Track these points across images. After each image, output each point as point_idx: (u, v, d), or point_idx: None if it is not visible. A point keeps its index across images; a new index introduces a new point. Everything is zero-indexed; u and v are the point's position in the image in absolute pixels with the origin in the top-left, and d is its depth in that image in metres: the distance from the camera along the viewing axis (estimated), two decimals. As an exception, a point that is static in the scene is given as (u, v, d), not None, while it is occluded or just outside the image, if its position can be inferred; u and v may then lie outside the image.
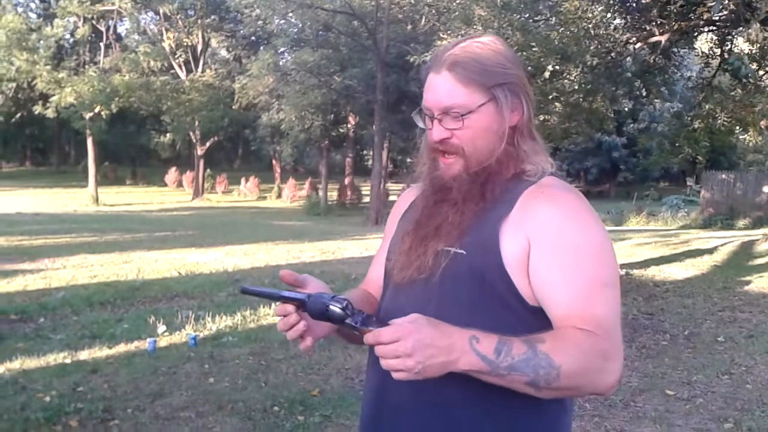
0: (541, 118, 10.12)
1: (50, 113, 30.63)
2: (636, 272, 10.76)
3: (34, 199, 26.49)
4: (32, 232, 14.55)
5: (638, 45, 9.57)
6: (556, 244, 1.39)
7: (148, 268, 10.38)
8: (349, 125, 34.97)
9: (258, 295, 1.53)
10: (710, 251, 13.63)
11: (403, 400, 1.48)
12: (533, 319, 1.40)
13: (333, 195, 31.96)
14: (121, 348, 6.04)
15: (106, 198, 30.01)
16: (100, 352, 5.91)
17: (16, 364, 5.45)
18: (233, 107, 35.25)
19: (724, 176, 23.82)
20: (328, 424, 4.47)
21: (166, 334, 6.51)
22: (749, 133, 13.86)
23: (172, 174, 41.32)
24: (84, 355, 5.81)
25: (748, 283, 10.04)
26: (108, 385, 5.07)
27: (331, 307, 1.36)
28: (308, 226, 20.13)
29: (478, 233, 1.43)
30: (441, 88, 1.47)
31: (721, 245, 14.61)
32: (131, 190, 38.65)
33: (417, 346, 1.23)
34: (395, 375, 1.26)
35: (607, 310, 1.37)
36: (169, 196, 35.55)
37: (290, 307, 1.42)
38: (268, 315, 7.31)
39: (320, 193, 32.24)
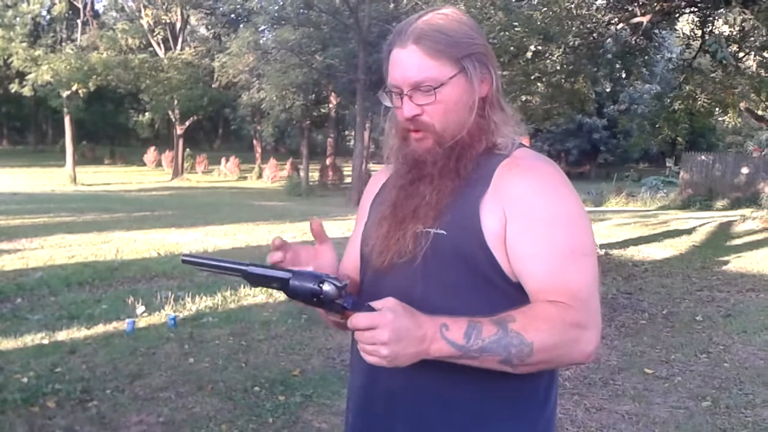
0: (523, 98, 10.12)
1: (27, 91, 30.18)
2: (615, 252, 10.82)
3: (11, 179, 26.18)
4: (9, 212, 14.38)
5: (620, 26, 9.57)
6: (530, 216, 1.38)
7: (127, 249, 10.30)
8: (330, 105, 34.79)
9: (202, 266, 1.42)
10: (689, 232, 13.74)
11: (396, 386, 1.47)
12: (519, 295, 1.40)
13: (314, 175, 31.86)
14: (100, 329, 5.99)
15: (85, 177, 29.71)
16: (78, 332, 5.86)
17: (-7, 347, 5.39)
18: (213, 86, 34.92)
19: (703, 157, 23.99)
20: (309, 403, 4.46)
21: (145, 314, 6.46)
22: (729, 115, 13.95)
23: (151, 153, 40.96)
24: (62, 335, 5.75)
25: (726, 263, 10.14)
26: (86, 365, 5.03)
27: (326, 286, 1.33)
28: (289, 207, 20.05)
29: (458, 212, 1.41)
30: (409, 63, 1.43)
31: (700, 226, 14.73)
32: (110, 169, 38.30)
33: (393, 336, 1.24)
34: (367, 359, 1.27)
35: (582, 280, 1.37)
36: (148, 175, 35.27)
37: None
38: (249, 295, 7.28)
39: (301, 173, 32.13)
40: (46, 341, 5.58)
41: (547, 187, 1.41)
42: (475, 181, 1.43)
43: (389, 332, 1.23)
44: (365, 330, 1.26)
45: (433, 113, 1.43)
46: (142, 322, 6.22)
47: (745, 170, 22.61)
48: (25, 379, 4.67)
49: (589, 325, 1.34)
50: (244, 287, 7.45)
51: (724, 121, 22.38)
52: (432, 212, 1.42)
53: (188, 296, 7.08)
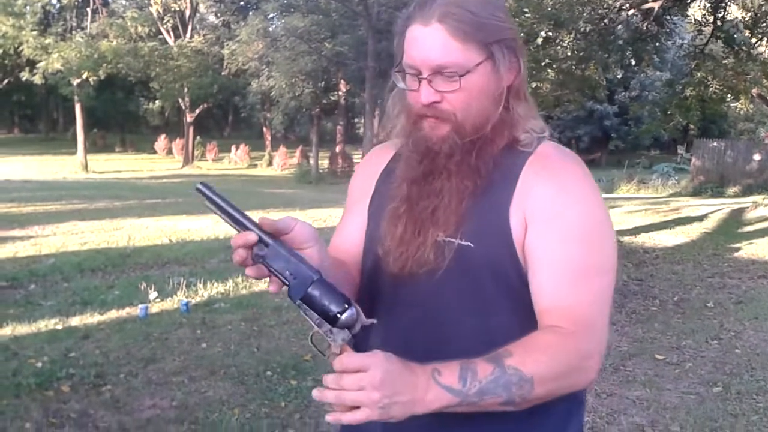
0: (534, 85, 10.08)
1: (37, 79, 30.23)
2: (626, 239, 10.80)
3: (23, 167, 26.31)
4: (22, 199, 14.44)
5: (631, 11, 9.51)
6: (548, 224, 1.27)
7: (139, 235, 10.34)
8: (340, 92, 34.77)
9: (214, 203, 1.19)
10: (700, 218, 13.69)
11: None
12: None
13: (324, 163, 31.84)
14: (113, 314, 6.03)
15: (96, 165, 29.82)
16: (91, 318, 5.91)
17: (7, 331, 5.44)
18: (222, 74, 34.94)
19: (714, 144, 23.87)
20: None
21: (158, 300, 6.50)
22: (741, 101, 13.87)
23: (161, 141, 41.02)
24: (75, 321, 5.80)
25: (737, 249, 10.10)
26: (100, 350, 5.07)
27: (348, 314, 1.16)
28: (299, 194, 20.08)
29: (484, 220, 1.29)
30: (431, 44, 1.27)
31: (711, 212, 14.67)
32: (121, 157, 38.42)
33: (386, 378, 1.08)
34: (351, 415, 1.09)
35: (592, 302, 1.25)
36: (159, 163, 35.37)
37: (251, 237, 1.17)
38: (260, 282, 7.30)
39: (311, 161, 32.12)
40: (59, 327, 5.63)
41: (573, 195, 1.28)
42: (499, 182, 1.30)
43: (381, 373, 1.08)
44: (353, 372, 1.09)
45: (454, 101, 1.28)
46: (154, 308, 6.26)
47: (757, 157, 22.48)
48: (39, 364, 4.72)
49: (592, 352, 1.23)
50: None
51: (736, 107, 22.26)
52: (453, 217, 1.28)
53: (200, 282, 7.12)
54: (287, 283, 1.15)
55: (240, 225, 1.17)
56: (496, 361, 1.16)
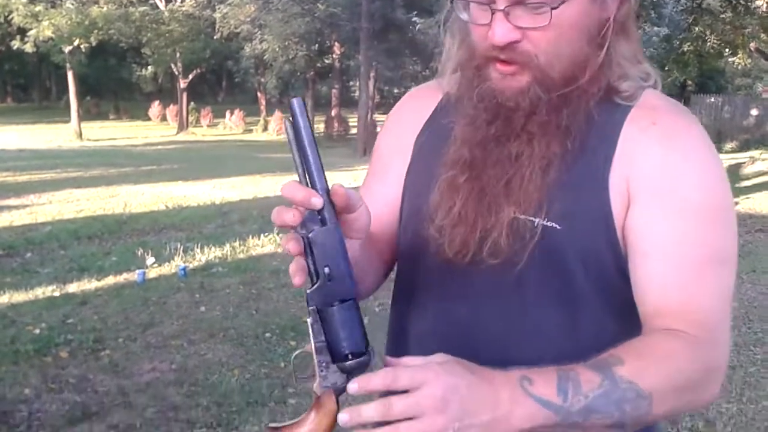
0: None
1: (29, 48, 29.90)
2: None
3: (17, 135, 26.13)
4: (16, 168, 14.38)
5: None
6: (659, 199, 0.98)
7: (135, 202, 10.31)
8: (334, 55, 34.45)
9: (298, 132, 0.86)
10: (697, 175, 13.66)
11: None
12: None
13: (320, 127, 31.71)
14: (110, 280, 6.03)
15: (90, 133, 29.62)
16: (88, 284, 5.90)
17: (5, 298, 5.44)
18: (215, 38, 34.55)
19: (712, 100, 23.79)
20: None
21: (155, 265, 6.49)
22: (738, 56, 13.79)
23: (155, 108, 40.73)
24: (73, 287, 5.79)
25: (734, 204, 10.08)
26: (98, 316, 5.07)
27: (355, 361, 0.84)
28: (295, 158, 19.99)
29: (574, 194, 1.01)
30: None
31: (709, 169, 14.63)
32: (115, 124, 38.17)
33: (450, 395, 0.79)
34: None
35: (717, 300, 0.98)
36: (153, 130, 35.15)
37: (317, 201, 0.84)
38: (258, 246, 7.30)
39: (306, 124, 31.95)
40: (57, 294, 5.62)
41: (691, 161, 1.00)
42: (595, 145, 1.01)
43: (442, 389, 0.79)
44: (402, 394, 0.80)
45: (538, 41, 0.97)
46: (152, 273, 6.25)
47: (754, 112, 22.41)
48: (37, 331, 4.72)
49: (719, 363, 0.97)
50: (253, 237, 7.47)
51: (733, 62, 22.12)
52: (536, 193, 0.99)
53: (197, 247, 7.10)
54: (316, 282, 0.85)
55: (310, 176, 0.86)
56: (603, 369, 0.87)
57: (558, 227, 0.99)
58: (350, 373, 0.84)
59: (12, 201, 10.11)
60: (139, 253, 6.79)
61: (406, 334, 1.14)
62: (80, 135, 28.64)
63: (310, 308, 0.85)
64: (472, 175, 1.03)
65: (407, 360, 0.86)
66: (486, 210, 1.01)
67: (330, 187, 0.86)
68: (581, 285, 1.02)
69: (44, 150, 20.54)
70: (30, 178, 13.08)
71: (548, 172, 1.00)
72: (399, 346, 1.14)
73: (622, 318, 1.01)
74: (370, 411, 0.79)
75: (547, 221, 1.00)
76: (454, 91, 1.11)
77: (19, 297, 5.50)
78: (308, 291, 0.85)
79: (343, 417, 0.80)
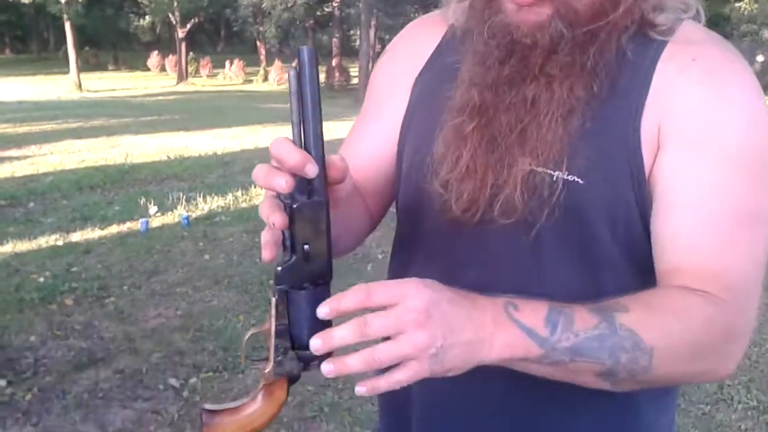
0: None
1: (25, -2, 29.59)
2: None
3: (17, 87, 25.94)
4: (17, 120, 14.28)
5: None
6: (696, 146, 0.86)
7: (136, 152, 10.26)
8: (334, 3, 34.00)
9: (301, 84, 0.74)
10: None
11: (467, 407, 1.00)
12: None
13: (321, 77, 31.48)
14: (114, 229, 6.02)
15: (89, 84, 29.40)
16: (92, 233, 5.89)
17: (8, 248, 5.43)
18: (213, -14, 34.11)
19: (717, 46, 23.55)
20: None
21: (158, 215, 6.48)
22: (744, 1, 13.54)
23: (154, 58, 40.37)
24: (76, 237, 5.79)
25: None
26: (102, 264, 5.07)
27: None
28: (296, 108, 19.87)
29: (600, 143, 0.88)
30: None
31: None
32: (114, 75, 37.87)
33: (433, 309, 0.71)
34: (391, 378, 0.72)
35: (748, 263, 0.86)
36: (152, 80, 34.89)
37: (312, 169, 0.73)
38: (260, 195, 7.28)
39: (307, 74, 31.69)
40: (60, 243, 5.62)
41: (735, 104, 0.87)
42: (626, 87, 0.89)
43: (424, 302, 0.71)
44: (379, 311, 0.72)
45: None
46: (155, 222, 6.25)
47: (760, 58, 22.23)
48: (41, 279, 4.72)
49: (743, 332, 0.86)
50: (255, 187, 7.45)
51: (739, 8, 21.77)
52: (556, 143, 0.87)
53: (200, 197, 7.09)
54: (290, 259, 0.75)
55: (307, 138, 0.75)
56: (603, 312, 0.78)
57: (581, 182, 0.87)
58: (308, 363, 0.76)
59: (13, 152, 10.06)
60: (142, 203, 6.77)
61: None
62: (79, 86, 28.43)
63: (278, 287, 0.75)
64: (481, 122, 0.90)
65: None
66: (497, 162, 0.90)
67: (327, 157, 0.76)
68: (606, 247, 0.90)
69: (44, 101, 20.40)
70: (30, 129, 13.00)
71: (570, 120, 0.87)
72: None
73: (650, 284, 0.88)
74: (343, 332, 0.71)
75: (568, 175, 0.87)
76: (461, 23, 0.97)
77: (23, 246, 5.50)
78: (280, 268, 0.75)
79: (315, 342, 0.72)
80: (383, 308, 0.71)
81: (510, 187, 0.88)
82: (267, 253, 0.75)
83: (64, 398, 3.23)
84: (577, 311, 0.78)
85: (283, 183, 0.71)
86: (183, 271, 4.95)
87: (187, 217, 6.29)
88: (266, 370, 0.76)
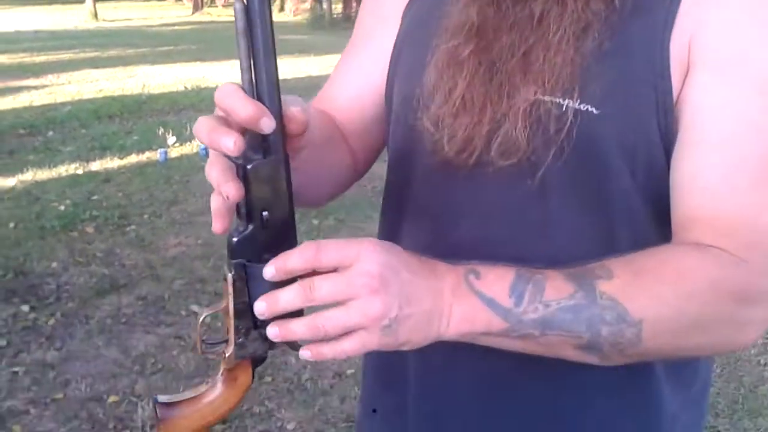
0: None
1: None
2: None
3: (33, 17, 25.72)
4: (34, 49, 14.18)
5: None
6: (731, 71, 0.73)
7: (153, 83, 10.19)
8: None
9: (251, 23, 0.63)
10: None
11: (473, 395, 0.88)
12: None
13: (338, 7, 30.95)
14: (133, 159, 6.02)
15: (105, 13, 29.07)
16: (111, 162, 5.90)
17: (29, 176, 5.45)
18: None
19: None
20: (342, 227, 4.52)
21: (177, 145, 6.47)
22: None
23: (170, -12, 39.86)
24: (95, 166, 5.80)
25: None
26: (122, 193, 5.09)
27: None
28: (313, 40, 19.59)
29: (620, 68, 0.75)
30: None
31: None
32: (129, 4, 37.40)
33: (387, 274, 0.63)
34: (336, 346, 0.64)
35: None
36: (168, 10, 34.45)
37: (268, 123, 0.62)
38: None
39: (324, 5, 31.22)
40: (80, 171, 5.63)
41: None
42: (650, 2, 0.75)
43: (378, 265, 0.63)
44: (331, 271, 0.63)
45: None
46: (173, 153, 6.24)
47: None
48: (62, 207, 4.75)
49: (762, 296, 0.72)
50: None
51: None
52: (566, 66, 0.74)
53: (218, 127, 7.06)
54: (247, 228, 0.66)
55: (260, 85, 0.63)
56: (581, 279, 0.68)
57: (596, 111, 0.74)
58: (274, 342, 0.67)
59: (31, 81, 10.03)
60: (160, 133, 6.76)
61: None
62: (95, 15, 28.15)
63: (234, 261, 0.66)
64: (479, 45, 0.78)
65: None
66: (496, 92, 0.76)
67: (284, 106, 0.64)
68: (623, 192, 0.77)
69: (60, 31, 20.24)
70: (47, 58, 12.92)
71: (584, 39, 0.74)
72: None
73: (671, 239, 0.76)
74: (289, 294, 0.63)
75: (581, 104, 0.74)
76: None
77: (43, 175, 5.51)
78: (235, 239, 0.66)
79: (260, 306, 0.64)
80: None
81: (511, 122, 0.75)
82: (218, 224, 0.66)
83: (87, 323, 3.28)
84: (549, 278, 0.68)
85: (231, 144, 0.60)
86: (202, 200, 4.95)
87: (205, 148, 6.08)
88: (227, 354, 0.68)
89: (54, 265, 3.86)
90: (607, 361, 0.71)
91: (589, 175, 0.77)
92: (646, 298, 0.68)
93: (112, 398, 2.75)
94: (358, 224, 4.51)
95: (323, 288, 0.62)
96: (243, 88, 0.62)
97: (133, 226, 4.44)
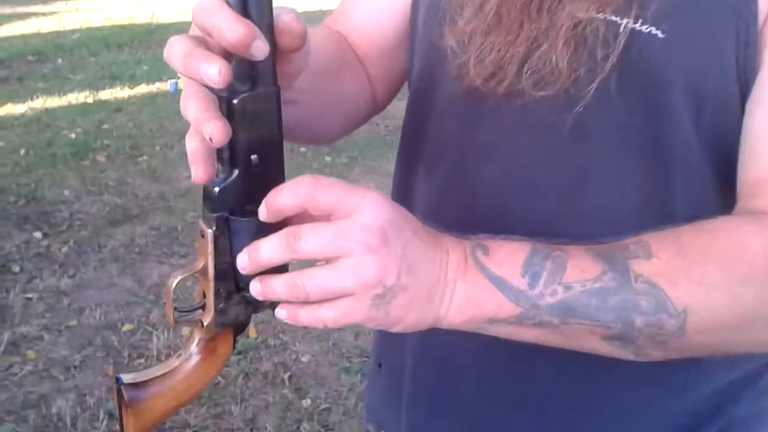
0: None
1: None
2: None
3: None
4: (39, -25, 13.96)
5: None
6: None
7: (163, 12, 10.02)
8: None
9: None
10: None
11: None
12: None
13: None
14: (143, 89, 5.94)
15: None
16: (121, 92, 5.82)
17: (38, 103, 5.39)
18: None
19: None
20: (355, 164, 4.47)
21: (187, 76, 6.38)
22: None
23: None
24: (105, 95, 5.73)
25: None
26: (133, 123, 5.03)
27: None
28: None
29: None
30: None
31: None
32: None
33: (392, 233, 0.52)
34: (317, 311, 0.53)
35: None
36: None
37: (261, 47, 0.50)
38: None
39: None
40: (90, 100, 5.56)
41: None
42: None
43: (383, 221, 0.52)
44: (319, 222, 0.52)
45: None
46: (184, 84, 6.15)
47: None
48: (73, 135, 4.70)
49: None
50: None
51: None
52: None
53: (229, 59, 6.96)
54: (232, 177, 0.54)
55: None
56: (612, 257, 0.56)
57: (660, 35, 0.59)
58: (258, 305, 0.58)
59: (39, 8, 9.86)
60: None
61: (411, 208, 0.67)
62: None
63: (215, 215, 0.54)
64: None
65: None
66: (536, 6, 0.63)
67: (276, 18, 0.52)
68: (684, 138, 0.63)
69: (67, -43, 19.88)
70: (54, -16, 12.72)
71: None
72: None
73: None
74: (271, 245, 0.53)
75: (641, 25, 0.60)
76: None
77: (53, 102, 5.45)
78: (216, 189, 0.54)
79: (242, 258, 0.54)
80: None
81: (551, 43, 0.61)
82: (200, 171, 0.53)
83: (100, 252, 3.27)
84: (572, 255, 0.56)
85: (215, 72, 0.48)
86: (214, 132, 4.92)
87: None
88: (206, 322, 0.57)
89: (66, 193, 3.83)
90: (643, 357, 0.58)
91: (643, 117, 0.62)
92: (691, 283, 0.55)
93: (127, 326, 2.75)
94: (371, 163, 4.47)
95: (311, 238, 0.51)
96: (228, 2, 0.50)
97: (144, 157, 4.39)
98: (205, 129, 0.50)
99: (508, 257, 0.56)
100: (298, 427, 2.33)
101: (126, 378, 0.58)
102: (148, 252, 3.27)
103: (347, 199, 0.51)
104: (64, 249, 3.27)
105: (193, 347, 0.59)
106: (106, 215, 3.60)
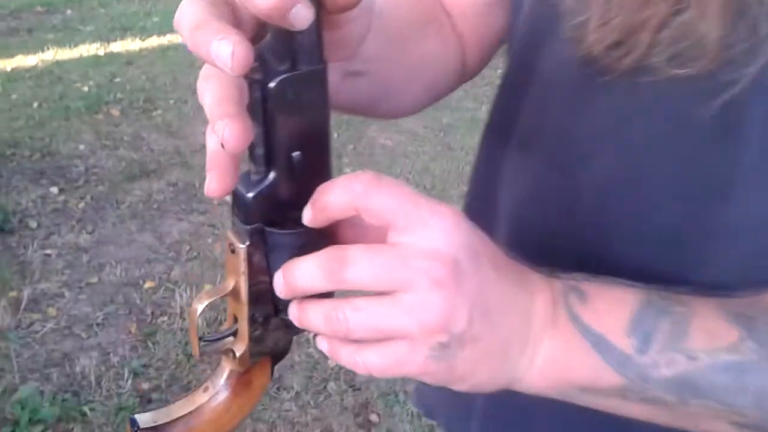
0: None
1: None
2: None
3: None
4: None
5: None
6: None
7: (171, -38, 9.86)
8: None
9: None
10: None
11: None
12: None
13: None
14: (154, 41, 5.83)
15: None
16: (132, 44, 5.72)
17: (49, 55, 5.29)
18: None
19: None
20: (372, 122, 4.39)
21: (199, 27, 6.27)
22: None
23: None
24: (117, 47, 5.62)
25: None
26: (145, 76, 4.94)
27: None
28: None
29: None
30: None
31: None
32: None
33: (467, 266, 0.41)
34: (360, 356, 0.43)
35: None
36: None
37: (307, 13, 0.38)
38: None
39: None
40: (101, 52, 5.46)
41: None
42: None
43: (457, 248, 0.41)
44: (376, 245, 0.42)
45: None
46: (196, 35, 6.05)
47: None
48: (85, 88, 4.62)
49: None
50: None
51: None
52: None
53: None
54: (269, 180, 0.44)
55: None
56: (751, 320, 0.44)
57: None
58: (299, 329, 0.47)
59: (44, -43, 9.70)
60: (181, 15, 6.54)
61: (494, 200, 0.62)
62: None
63: (249, 226, 0.44)
64: None
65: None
66: None
67: None
68: None
69: None
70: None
71: None
72: (482, 218, 0.51)
73: None
74: (309, 268, 0.42)
75: None
76: None
77: (64, 54, 5.35)
78: (250, 195, 0.43)
79: (278, 280, 0.44)
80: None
81: (697, 7, 0.44)
82: (215, 183, 0.41)
83: (118, 208, 3.22)
84: (699, 312, 0.43)
85: (228, 56, 0.36)
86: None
87: None
88: (239, 353, 0.47)
89: (81, 147, 3.76)
90: None
91: None
92: None
93: (149, 283, 2.71)
94: (388, 122, 4.39)
95: (361, 264, 0.40)
96: None
97: (159, 111, 4.32)
98: (216, 129, 0.38)
99: (612, 308, 0.44)
100: (325, 387, 2.30)
101: (143, 420, 0.48)
102: (166, 208, 3.22)
103: (412, 210, 0.40)
104: (81, 204, 3.22)
105: (223, 380, 0.49)
106: (123, 170, 3.54)
